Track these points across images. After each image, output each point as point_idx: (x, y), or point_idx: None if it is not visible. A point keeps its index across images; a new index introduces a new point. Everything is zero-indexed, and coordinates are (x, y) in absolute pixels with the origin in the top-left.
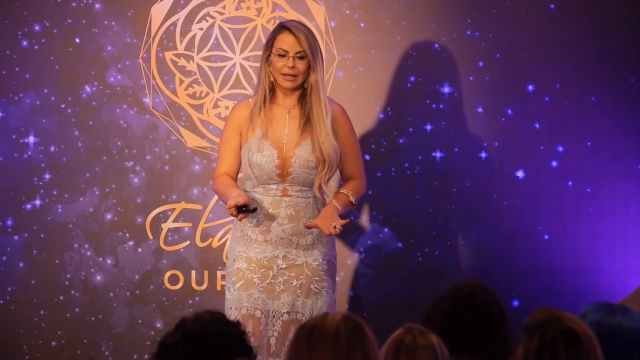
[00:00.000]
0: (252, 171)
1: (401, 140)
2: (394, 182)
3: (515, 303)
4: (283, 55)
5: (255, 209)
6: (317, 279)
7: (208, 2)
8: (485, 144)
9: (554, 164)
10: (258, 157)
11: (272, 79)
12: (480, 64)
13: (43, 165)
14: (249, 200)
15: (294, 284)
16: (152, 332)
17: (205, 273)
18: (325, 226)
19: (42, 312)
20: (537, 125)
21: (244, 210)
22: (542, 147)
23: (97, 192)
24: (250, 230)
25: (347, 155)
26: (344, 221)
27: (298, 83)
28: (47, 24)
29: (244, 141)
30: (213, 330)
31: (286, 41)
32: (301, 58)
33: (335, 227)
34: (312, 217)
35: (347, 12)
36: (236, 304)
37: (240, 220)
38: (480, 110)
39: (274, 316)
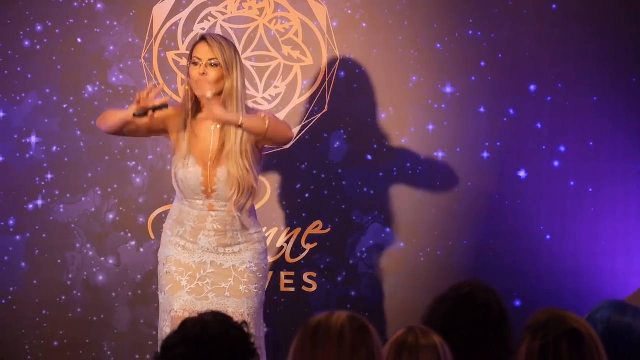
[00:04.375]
0: (177, 185)
1: (403, 140)
2: (396, 182)
3: (517, 303)
4: (196, 64)
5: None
6: (245, 280)
7: (210, 2)
8: (487, 144)
9: (556, 164)
10: (183, 172)
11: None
12: (482, 64)
13: (45, 165)
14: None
15: (222, 286)
16: (154, 332)
17: None
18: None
19: (44, 312)
20: (539, 125)
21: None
22: (544, 147)
23: (99, 192)
24: (179, 238)
25: None
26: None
27: (212, 91)
28: (49, 24)
29: (173, 149)
30: (212, 333)
31: (200, 50)
32: (214, 66)
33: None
34: (239, 231)
35: (349, 12)
36: (167, 307)
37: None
38: (482, 110)
39: None
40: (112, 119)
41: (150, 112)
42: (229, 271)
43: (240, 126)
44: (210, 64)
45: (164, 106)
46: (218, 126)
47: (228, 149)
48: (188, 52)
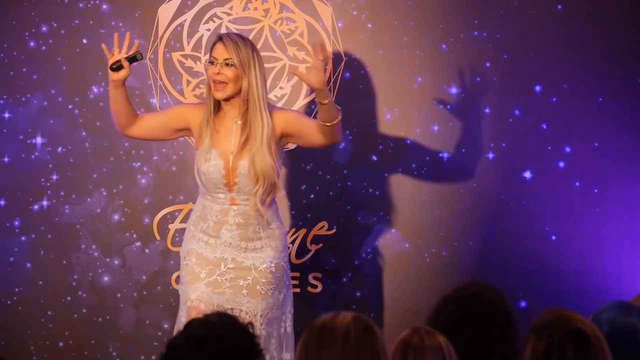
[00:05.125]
0: (200, 179)
1: (408, 141)
2: (401, 183)
3: (523, 304)
4: (212, 63)
5: (139, 55)
6: (264, 280)
7: (215, 3)
8: (492, 145)
9: (561, 164)
10: (205, 166)
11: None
12: (488, 64)
13: (50, 166)
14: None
15: (240, 284)
16: (159, 333)
17: None
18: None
19: (49, 312)
20: (544, 126)
21: (133, 59)
22: (549, 148)
23: (104, 193)
24: (202, 234)
25: (302, 123)
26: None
27: (228, 93)
28: (55, 25)
29: (196, 145)
30: (217, 333)
31: (216, 50)
32: (229, 65)
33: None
34: (260, 225)
35: (354, 12)
36: (184, 297)
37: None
38: (487, 110)
39: None
40: (110, 99)
41: (124, 63)
42: (249, 269)
43: (323, 104)
44: (226, 64)
45: (137, 55)
46: (239, 122)
47: (251, 144)
48: (195, 53)
